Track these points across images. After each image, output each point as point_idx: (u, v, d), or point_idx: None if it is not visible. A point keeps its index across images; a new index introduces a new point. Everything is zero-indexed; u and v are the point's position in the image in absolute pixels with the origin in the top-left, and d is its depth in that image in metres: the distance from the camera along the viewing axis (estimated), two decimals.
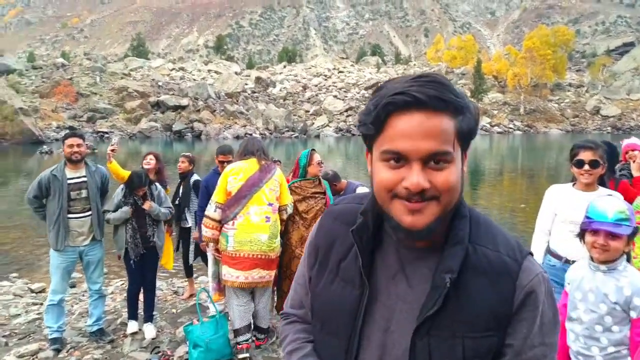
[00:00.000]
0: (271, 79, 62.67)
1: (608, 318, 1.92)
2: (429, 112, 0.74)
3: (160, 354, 3.73)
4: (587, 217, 1.98)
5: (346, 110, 50.99)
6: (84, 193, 3.76)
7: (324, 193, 4.03)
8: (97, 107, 43.24)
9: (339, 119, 49.92)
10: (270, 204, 3.53)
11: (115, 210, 3.89)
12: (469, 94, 64.02)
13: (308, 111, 52.03)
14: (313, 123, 48.01)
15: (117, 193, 3.95)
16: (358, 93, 56.88)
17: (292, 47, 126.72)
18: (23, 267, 6.83)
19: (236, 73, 63.76)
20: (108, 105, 44.22)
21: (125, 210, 3.88)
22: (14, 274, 6.37)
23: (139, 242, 3.94)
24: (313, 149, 4.09)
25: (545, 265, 2.96)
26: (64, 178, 3.70)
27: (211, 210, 3.51)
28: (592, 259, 2.00)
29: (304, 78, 66.17)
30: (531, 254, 0.85)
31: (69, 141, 3.72)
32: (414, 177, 0.73)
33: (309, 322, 0.99)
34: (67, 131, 4.64)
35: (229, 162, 4.14)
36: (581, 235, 2.03)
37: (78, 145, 3.72)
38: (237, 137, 36.75)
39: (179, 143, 34.86)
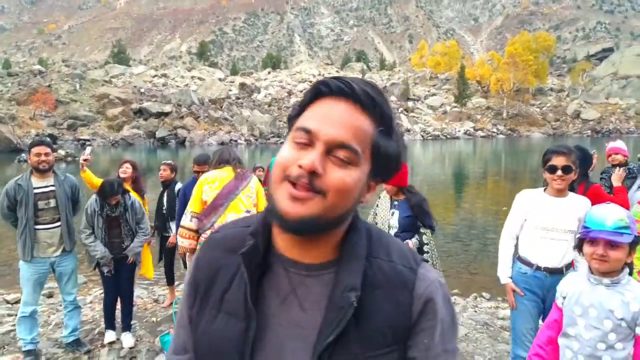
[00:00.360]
0: (255, 85, 62.65)
1: (612, 335, 1.78)
2: (356, 106, 0.72)
3: None
4: (585, 227, 1.84)
5: None
6: (52, 203, 3.64)
7: None
8: (77, 114, 42.63)
9: None
10: (247, 211, 3.48)
11: (91, 223, 3.80)
12: (453, 99, 64.90)
13: None
14: None
15: (91, 203, 3.86)
16: None
17: (276, 53, 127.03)
18: None
19: (220, 79, 63.68)
20: (89, 113, 43.64)
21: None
22: None
23: (111, 254, 3.87)
24: None
25: (516, 272, 2.83)
26: (30, 187, 3.56)
27: (187, 220, 3.46)
28: (591, 271, 1.85)
29: (289, 84, 66.33)
30: (426, 260, 0.82)
31: (35, 149, 3.57)
32: (310, 157, 0.69)
33: None
34: (35, 138, 4.52)
35: (204, 172, 4.10)
36: (579, 246, 1.89)
37: (46, 154, 3.58)
38: (222, 143, 36.46)
39: (163, 150, 34.50)
